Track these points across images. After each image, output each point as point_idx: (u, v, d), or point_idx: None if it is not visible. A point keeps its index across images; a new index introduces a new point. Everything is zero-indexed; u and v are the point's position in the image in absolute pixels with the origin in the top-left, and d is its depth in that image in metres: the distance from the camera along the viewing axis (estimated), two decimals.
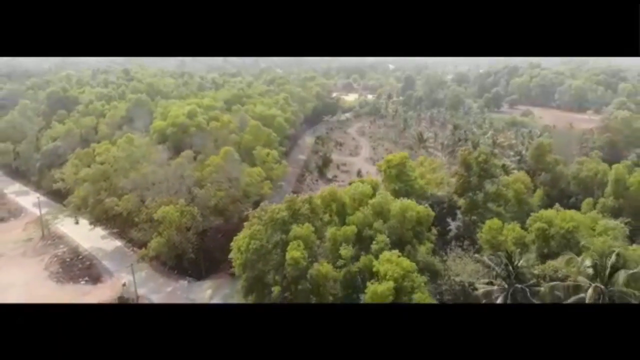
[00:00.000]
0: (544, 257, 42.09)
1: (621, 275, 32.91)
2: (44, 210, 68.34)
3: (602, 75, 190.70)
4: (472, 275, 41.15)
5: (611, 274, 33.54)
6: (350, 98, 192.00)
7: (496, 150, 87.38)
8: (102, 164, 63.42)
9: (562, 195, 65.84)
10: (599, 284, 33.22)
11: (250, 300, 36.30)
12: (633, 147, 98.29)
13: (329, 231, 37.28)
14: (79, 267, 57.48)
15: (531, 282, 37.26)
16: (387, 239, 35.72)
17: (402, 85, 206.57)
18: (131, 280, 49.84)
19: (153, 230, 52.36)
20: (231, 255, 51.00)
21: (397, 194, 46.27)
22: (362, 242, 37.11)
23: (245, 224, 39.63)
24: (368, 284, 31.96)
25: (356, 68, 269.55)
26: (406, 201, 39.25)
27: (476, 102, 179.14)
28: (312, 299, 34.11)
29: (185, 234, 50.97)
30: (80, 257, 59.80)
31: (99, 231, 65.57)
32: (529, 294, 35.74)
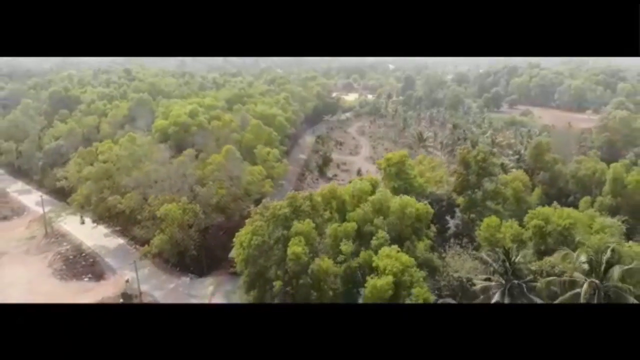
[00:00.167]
0: (541, 254, 42.75)
1: (616, 271, 33.53)
2: (46, 209, 68.95)
3: (602, 75, 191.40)
4: (471, 271, 41.79)
5: (606, 270, 34.16)
6: (351, 98, 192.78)
7: (495, 150, 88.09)
8: (104, 162, 64.08)
9: (560, 194, 66.47)
10: (594, 279, 33.86)
11: (252, 295, 36.95)
12: (631, 147, 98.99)
13: (330, 227, 37.96)
14: (82, 264, 58.06)
15: (528, 278, 37.92)
16: (387, 235, 36.38)
17: (402, 85, 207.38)
18: (134, 277, 50.48)
19: (155, 227, 53.05)
20: (231, 254, 51.99)
21: (396, 192, 46.90)
22: (362, 238, 37.79)
23: (247, 220, 40.32)
24: (368, 278, 32.63)
25: (356, 68, 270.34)
26: (406, 198, 39.94)
27: (476, 102, 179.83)
28: (313, 294, 34.79)
29: (188, 231, 51.67)
30: (84, 254, 60.37)
31: (102, 229, 66.26)
32: (525, 289, 36.39)
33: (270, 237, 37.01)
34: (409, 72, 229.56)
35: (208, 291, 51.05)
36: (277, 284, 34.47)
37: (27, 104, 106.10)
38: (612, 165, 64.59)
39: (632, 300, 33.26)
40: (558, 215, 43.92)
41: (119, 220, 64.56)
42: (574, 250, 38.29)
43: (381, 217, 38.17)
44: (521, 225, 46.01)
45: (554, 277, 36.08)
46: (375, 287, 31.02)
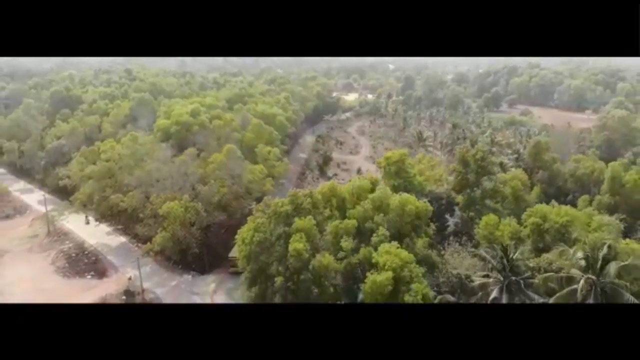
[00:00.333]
0: (539, 251, 43.24)
1: (612, 267, 33.93)
2: (49, 208, 69.46)
3: (601, 75, 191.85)
4: (470, 269, 42.26)
5: (603, 266, 34.58)
6: (351, 98, 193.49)
7: (494, 149, 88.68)
8: (107, 161, 64.66)
9: (559, 192, 66.98)
10: (591, 276, 34.31)
11: (254, 292, 37.49)
12: (630, 146, 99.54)
13: (331, 224, 38.51)
14: (85, 262, 58.61)
15: (526, 274, 38.39)
16: (387, 232, 36.91)
17: (402, 85, 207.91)
18: (136, 274, 51.04)
19: (158, 225, 53.59)
20: (231, 254, 52.54)
21: (396, 190, 47.37)
22: (362, 235, 38.33)
23: (249, 217, 40.88)
24: (368, 274, 33.15)
25: (356, 68, 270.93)
26: (405, 195, 40.47)
27: (475, 102, 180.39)
28: (314, 289, 35.35)
29: (189, 229, 52.22)
30: (86, 252, 60.89)
31: (104, 227, 66.86)
32: (523, 285, 36.86)
33: (272, 234, 37.57)
34: (409, 72, 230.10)
35: (210, 288, 51.59)
36: (279, 280, 35.01)
37: (29, 103, 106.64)
38: (611, 164, 65.07)
39: (628, 296, 33.65)
40: (555, 213, 44.41)
41: (121, 218, 65.18)
42: (571, 247, 38.78)
43: (381, 215, 38.70)
44: (519, 223, 46.50)
45: (551, 274, 36.54)
46: (375, 283, 31.55)
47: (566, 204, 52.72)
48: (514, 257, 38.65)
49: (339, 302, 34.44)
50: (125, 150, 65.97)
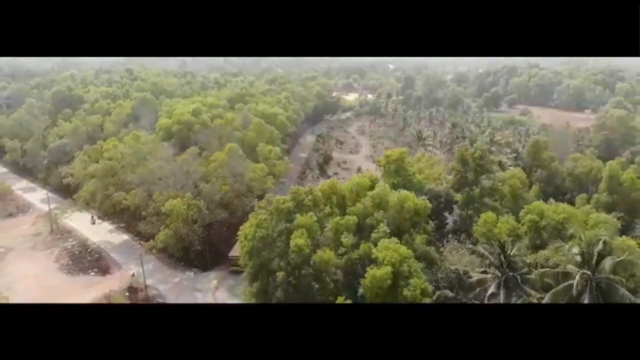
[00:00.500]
0: (536, 248, 43.89)
1: (607, 262, 34.50)
2: (51, 206, 70.16)
3: (600, 75, 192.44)
4: (468, 265, 42.90)
5: (598, 262, 35.18)
6: (351, 97, 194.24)
7: (493, 148, 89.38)
8: (110, 159, 65.34)
9: (557, 191, 67.49)
10: (586, 271, 34.93)
11: (256, 287, 38.17)
12: (629, 145, 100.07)
13: (332, 221, 39.24)
14: (88, 259, 59.31)
15: (523, 270, 39.03)
16: (387, 228, 37.58)
17: (402, 85, 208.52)
18: (139, 271, 51.72)
19: (160, 223, 54.30)
20: (231, 253, 53.22)
21: (395, 188, 48.02)
22: (361, 231, 39.01)
23: (251, 214, 41.58)
24: (367, 269, 33.83)
25: (356, 68, 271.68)
26: (404, 192, 41.15)
27: (475, 102, 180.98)
28: (315, 285, 36.05)
29: (192, 227, 52.94)
30: (89, 250, 61.58)
31: (107, 225, 67.53)
32: (520, 281, 37.51)
33: (274, 230, 38.27)
34: (409, 72, 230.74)
35: (212, 285, 52.27)
36: (280, 275, 35.71)
37: (31, 103, 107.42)
38: (608, 163, 65.70)
39: (623, 291, 34.21)
40: (552, 210, 45.08)
41: (123, 216, 65.91)
42: (568, 243, 39.37)
43: (381, 211, 39.37)
44: (518, 221, 47.13)
45: (548, 269, 37.15)
46: (374, 277, 32.23)
47: (564, 203, 53.40)
48: (511, 253, 39.28)
49: (338, 302, 34.89)
50: (127, 149, 66.70)
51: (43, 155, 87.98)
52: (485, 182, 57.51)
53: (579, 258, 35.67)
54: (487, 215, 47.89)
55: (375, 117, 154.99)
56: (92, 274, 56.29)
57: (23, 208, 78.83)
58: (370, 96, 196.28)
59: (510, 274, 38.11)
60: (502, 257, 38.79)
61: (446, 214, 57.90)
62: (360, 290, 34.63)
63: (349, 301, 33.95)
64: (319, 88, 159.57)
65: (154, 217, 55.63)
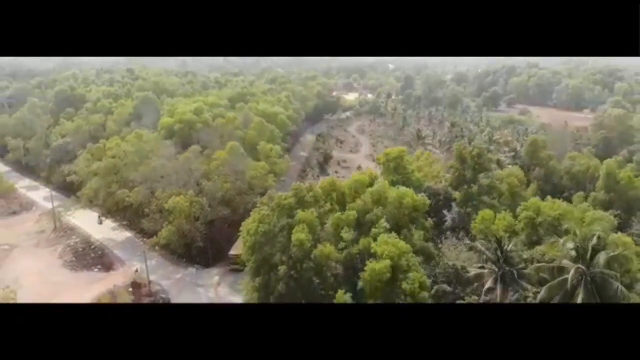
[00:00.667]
0: (533, 244, 44.69)
1: (602, 257, 35.20)
2: (55, 204, 70.99)
3: (599, 75, 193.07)
4: (466, 262, 43.71)
5: (593, 256, 35.93)
6: (351, 97, 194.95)
7: (492, 147, 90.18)
8: (113, 158, 66.18)
9: (555, 189, 68.12)
10: (581, 266, 35.69)
11: (258, 281, 39.00)
12: (627, 145, 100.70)
13: (332, 217, 40.09)
14: (92, 256, 60.12)
15: (520, 266, 39.82)
16: (387, 224, 38.42)
17: (402, 85, 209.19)
18: (143, 267, 52.53)
19: (163, 220, 55.19)
20: (231, 252, 54.00)
21: (395, 186, 48.79)
22: (361, 227, 39.84)
23: (253, 210, 42.44)
24: (367, 262, 34.66)
25: (356, 68, 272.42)
26: (403, 189, 41.98)
27: (474, 102, 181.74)
28: (315, 279, 36.89)
29: (194, 224, 53.79)
30: (93, 247, 62.38)
31: (110, 223, 68.35)
32: (516, 276, 38.29)
33: (276, 226, 39.13)
34: (409, 72, 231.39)
35: (214, 281, 53.10)
36: (282, 269, 36.58)
37: (34, 102, 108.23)
38: (606, 161, 66.42)
39: (617, 285, 34.94)
40: (549, 207, 45.85)
41: (126, 214, 66.73)
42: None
43: (380, 208, 40.20)
44: (515, 218, 47.89)
45: (544, 264, 37.94)
46: (374, 271, 33.06)
47: (562, 201, 54.13)
48: (508, 249, 40.07)
49: (338, 296, 35.67)
50: (130, 147, 67.52)
51: (46, 154, 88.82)
52: (484, 180, 58.29)
53: (574, 253, 36.39)
54: (485, 213, 48.61)
55: (375, 117, 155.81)
56: (96, 270, 57.13)
57: (26, 206, 79.65)
58: (370, 96, 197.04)
59: (507, 269, 38.84)
60: (499, 252, 39.56)
61: (445, 211, 58.73)
62: (360, 284, 35.45)
63: (349, 294, 34.78)
64: (319, 88, 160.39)
65: (157, 215, 56.50)
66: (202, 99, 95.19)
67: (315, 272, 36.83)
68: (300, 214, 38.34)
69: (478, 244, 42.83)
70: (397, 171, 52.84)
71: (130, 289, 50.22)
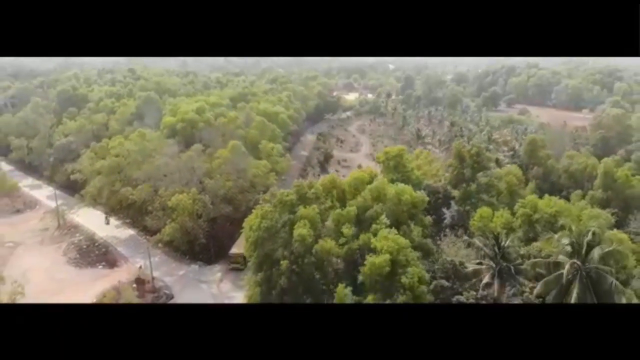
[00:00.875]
0: (530, 241, 45.52)
1: (596, 252, 36.01)
2: (58, 203, 71.83)
3: (599, 75, 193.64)
4: (464, 258, 44.53)
5: (587, 252, 36.67)
6: (351, 97, 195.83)
7: (491, 146, 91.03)
8: (116, 156, 67.03)
9: (553, 188, 68.88)
10: (576, 261, 36.47)
11: (260, 276, 39.84)
12: (625, 144, 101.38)
13: (333, 213, 40.95)
14: (96, 253, 60.93)
15: (517, 261, 40.63)
16: (387, 220, 39.28)
17: (402, 85, 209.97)
18: (147, 263, 53.33)
19: (166, 217, 56.00)
20: (231, 251, 54.74)
21: (394, 184, 49.62)
22: (361, 224, 40.69)
23: (256, 206, 43.31)
24: (367, 257, 35.51)
25: (356, 68, 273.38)
26: (401, 185, 42.82)
27: (474, 101, 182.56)
28: (316, 274, 37.75)
29: (197, 221, 54.63)
30: (96, 244, 63.16)
31: (113, 221, 69.06)
32: (513, 271, 39.10)
33: (277, 222, 39.99)
34: (409, 72, 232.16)
35: (216, 277, 53.92)
36: (284, 263, 37.45)
37: (36, 102, 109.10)
38: (603, 160, 67.19)
39: (612, 280, 35.67)
40: (545, 204, 46.66)
41: (129, 212, 67.55)
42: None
43: (380, 204, 41.05)
44: (513, 215, 48.68)
45: (540, 259, 38.68)
46: (373, 264, 33.91)
47: (560, 199, 54.88)
48: (505, 245, 40.89)
49: (339, 291, 36.47)
50: (133, 146, 68.34)
51: (49, 153, 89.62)
52: (482, 178, 59.07)
53: (569, 248, 37.15)
54: (483, 211, 49.36)
55: (375, 117, 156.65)
56: (100, 267, 57.93)
57: (30, 204, 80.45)
58: (370, 96, 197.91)
59: (504, 264, 39.64)
60: (496, 248, 40.37)
61: (444, 209, 59.55)
62: (360, 278, 36.28)
63: (349, 288, 35.60)
64: (319, 87, 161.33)
65: (160, 212, 57.31)
66: (204, 99, 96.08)
67: (316, 266, 37.70)
68: (301, 210, 39.23)
69: (476, 240, 43.61)
70: (397, 169, 53.64)
71: (134, 285, 51.01)
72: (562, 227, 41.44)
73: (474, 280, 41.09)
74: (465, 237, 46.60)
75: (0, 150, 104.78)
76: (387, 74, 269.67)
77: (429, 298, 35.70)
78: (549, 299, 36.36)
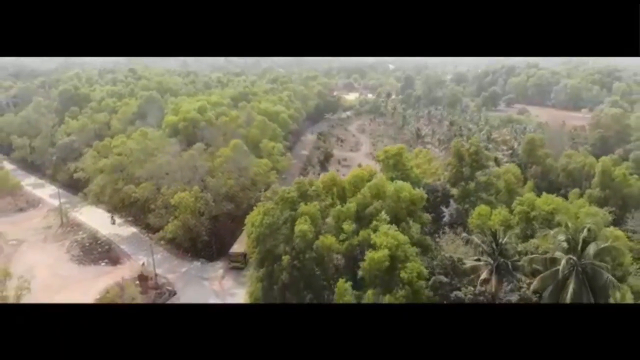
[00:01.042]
0: (527, 238, 46.19)
1: (592, 248, 36.67)
2: (60, 201, 72.51)
3: (598, 75, 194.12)
4: (463, 255, 45.18)
5: (583, 248, 37.33)
6: (351, 97, 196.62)
7: (490, 146, 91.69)
8: (119, 155, 67.72)
9: (551, 186, 69.44)
10: (572, 256, 37.13)
11: (262, 271, 40.54)
12: (623, 143, 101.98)
13: (333, 210, 41.67)
14: (99, 250, 61.64)
15: (514, 258, 41.29)
16: (387, 216, 39.98)
17: (402, 85, 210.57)
18: (149, 260, 54.02)
19: (169, 215, 56.71)
20: (231, 250, 55.37)
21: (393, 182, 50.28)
22: (361, 220, 41.41)
23: (258, 204, 44.04)
24: (367, 252, 36.22)
25: (357, 68, 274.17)
26: (400, 182, 43.54)
27: (473, 101, 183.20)
28: (317, 269, 38.47)
29: (199, 218, 55.32)
30: (99, 242, 63.89)
31: (115, 219, 69.83)
32: (510, 267, 39.77)
33: (279, 218, 40.72)
34: (408, 72, 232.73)
35: (218, 274, 54.61)
36: (285, 259, 38.18)
37: (38, 101, 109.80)
38: (601, 159, 67.72)
39: (607, 275, 36.30)
40: (542, 201, 47.33)
41: (131, 210, 68.27)
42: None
43: (379, 201, 41.75)
44: (511, 213, 49.34)
45: (536, 256, 39.35)
46: (373, 259, 34.63)
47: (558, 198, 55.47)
48: (503, 241, 41.57)
49: (339, 285, 37.15)
50: (135, 145, 69.03)
51: (51, 152, 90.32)
52: (481, 177, 59.70)
53: (565, 245, 37.84)
54: (482, 208, 49.99)
55: (375, 116, 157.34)
56: (103, 264, 58.63)
57: (33, 203, 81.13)
58: (370, 96, 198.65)
59: (502, 260, 40.30)
60: (494, 245, 41.05)
61: (443, 207, 60.19)
62: (360, 273, 36.98)
63: (349, 283, 36.30)
64: (320, 87, 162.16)
65: (162, 210, 58.01)
66: (205, 98, 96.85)
67: (317, 262, 38.44)
68: (302, 207, 39.98)
69: (474, 237, 44.29)
70: (396, 167, 54.24)
71: (137, 282, 51.67)
72: (559, 224, 42.06)
73: (472, 276, 41.75)
74: (464, 234, 47.20)
75: (3, 149, 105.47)
76: (387, 74, 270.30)
77: (428, 293, 36.37)
78: (546, 295, 37.00)
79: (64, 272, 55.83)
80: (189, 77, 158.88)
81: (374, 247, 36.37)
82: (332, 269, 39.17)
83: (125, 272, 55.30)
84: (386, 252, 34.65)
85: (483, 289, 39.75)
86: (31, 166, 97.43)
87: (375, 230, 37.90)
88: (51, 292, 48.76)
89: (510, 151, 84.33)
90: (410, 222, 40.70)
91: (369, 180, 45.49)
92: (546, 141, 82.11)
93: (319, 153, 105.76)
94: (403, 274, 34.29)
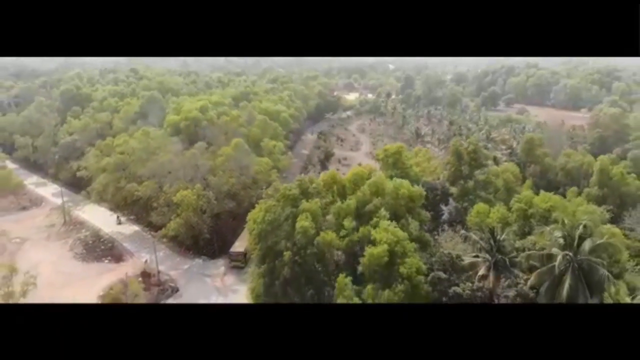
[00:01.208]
0: (525, 235, 46.85)
1: (587, 244, 37.29)
2: (63, 199, 73.20)
3: (597, 75, 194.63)
4: (462, 252, 45.83)
5: (579, 244, 37.95)
6: (351, 97, 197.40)
7: (490, 145, 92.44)
8: (121, 154, 68.44)
9: (549, 185, 70.07)
10: (568, 252, 37.78)
11: (264, 268, 41.24)
12: (622, 143, 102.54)
13: (333, 207, 42.38)
14: (102, 248, 62.29)
15: (512, 254, 41.96)
16: (387, 213, 40.68)
17: (402, 85, 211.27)
18: (152, 257, 54.72)
19: (171, 213, 57.40)
20: (231, 249, 56.02)
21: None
22: (361, 217, 42.09)
23: (259, 201, 44.75)
24: (366, 248, 36.92)
25: (357, 68, 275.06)
26: (399, 180, 44.22)
27: (473, 101, 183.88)
28: (318, 265, 39.18)
29: (201, 216, 56.00)
30: (102, 240, 64.51)
31: (121, 219, 70.47)
32: (508, 263, 40.44)
33: (281, 215, 41.43)
34: (408, 72, 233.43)
35: (220, 271, 55.29)
36: (287, 255, 38.87)
37: (40, 101, 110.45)
38: (600, 157, 68.38)
39: (603, 271, 36.92)
40: (540, 199, 48.00)
41: (134, 208, 68.94)
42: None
43: (379, 198, 42.45)
44: (509, 210, 50.00)
45: (533, 252, 39.98)
46: (372, 255, 35.32)
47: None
48: (501, 238, 42.23)
49: (339, 281, 37.80)
50: (137, 144, 69.73)
51: (54, 151, 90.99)
52: (480, 175, 60.36)
53: (561, 241, 38.47)
54: (480, 207, 50.67)
55: (375, 116, 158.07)
56: (106, 261, 59.30)
57: (36, 202, 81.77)
58: (370, 95, 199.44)
59: (500, 257, 40.97)
60: (492, 241, 41.71)
61: (442, 205, 60.84)
62: (360, 269, 37.66)
63: (349, 278, 36.99)
64: (320, 87, 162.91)
65: (165, 208, 58.70)
66: (207, 98, 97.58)
67: (318, 257, 39.14)
68: (304, 204, 40.68)
69: (472, 234, 44.95)
70: (396, 166, 54.89)
71: (140, 279, 52.35)
72: (556, 222, 42.70)
73: (470, 272, 42.42)
74: (463, 232, 47.86)
75: (6, 148, 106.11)
76: (387, 74, 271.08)
77: (427, 288, 37.03)
78: (542, 290, 37.63)
79: (68, 270, 56.47)
80: (190, 77, 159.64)
81: (373, 243, 37.05)
82: (332, 265, 39.88)
83: (128, 269, 55.94)
84: (385, 247, 35.35)
85: (481, 284, 40.39)
86: (34, 165, 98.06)
87: (375, 227, 38.57)
88: (55, 289, 49.41)
89: (509, 150, 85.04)
90: (409, 219, 41.33)
91: (368, 178, 46.16)
92: (545, 140, 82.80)
93: (319, 152, 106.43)
94: (402, 269, 34.96)
